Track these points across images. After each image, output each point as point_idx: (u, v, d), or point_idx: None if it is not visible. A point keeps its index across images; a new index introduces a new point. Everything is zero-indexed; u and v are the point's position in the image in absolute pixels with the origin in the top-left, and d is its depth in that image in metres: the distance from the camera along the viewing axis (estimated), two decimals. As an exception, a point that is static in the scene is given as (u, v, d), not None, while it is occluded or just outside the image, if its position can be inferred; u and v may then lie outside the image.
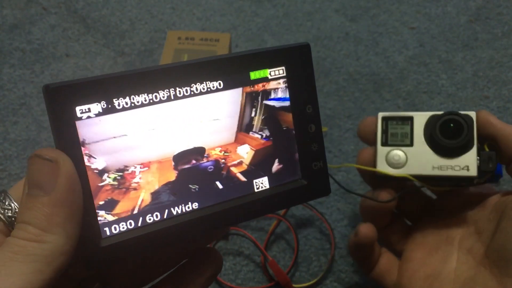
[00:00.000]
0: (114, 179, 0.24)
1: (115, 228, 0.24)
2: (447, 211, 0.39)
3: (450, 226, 0.38)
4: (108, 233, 0.24)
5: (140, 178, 0.25)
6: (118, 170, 0.24)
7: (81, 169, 0.23)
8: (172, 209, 0.26)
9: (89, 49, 0.59)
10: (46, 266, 0.20)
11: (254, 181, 0.27)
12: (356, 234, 0.38)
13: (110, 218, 0.24)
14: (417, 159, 0.37)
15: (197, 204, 0.26)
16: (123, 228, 0.25)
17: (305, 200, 0.29)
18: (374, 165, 0.38)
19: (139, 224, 0.25)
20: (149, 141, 0.25)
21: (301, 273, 0.44)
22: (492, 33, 0.60)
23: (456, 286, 0.34)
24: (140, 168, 0.25)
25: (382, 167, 0.37)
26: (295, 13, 0.64)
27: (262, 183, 0.28)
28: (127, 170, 0.25)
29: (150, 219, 0.25)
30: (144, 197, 0.25)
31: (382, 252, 0.40)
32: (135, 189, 0.25)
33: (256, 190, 0.27)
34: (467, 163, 0.35)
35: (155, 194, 0.25)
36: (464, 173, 0.35)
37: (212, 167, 0.26)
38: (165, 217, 0.25)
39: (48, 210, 0.20)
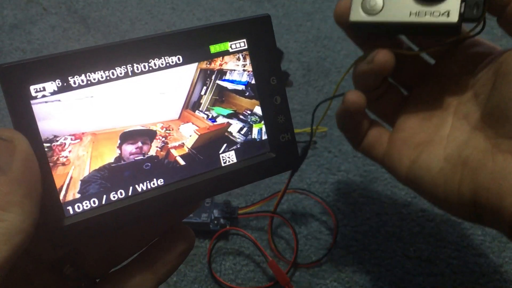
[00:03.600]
0: None
1: (78, 207, 0.24)
2: (445, 77, 0.36)
3: (447, 92, 0.35)
4: (71, 212, 0.24)
5: (69, 151, 0.24)
6: (47, 141, 0.23)
7: (39, 149, 0.22)
8: (136, 186, 0.25)
9: (89, 49, 0.59)
10: (2, 244, 0.20)
11: (221, 155, 0.27)
12: (343, 101, 0.36)
13: (72, 196, 0.24)
14: (395, 4, 0.33)
15: (162, 180, 0.26)
16: (87, 206, 0.24)
17: (275, 173, 0.28)
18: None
19: (103, 202, 0.24)
20: (87, 110, 0.24)
21: (301, 273, 0.44)
22: (491, 33, 0.60)
23: (447, 151, 0.33)
24: (71, 140, 0.24)
25: (356, 14, 0.34)
26: (295, 13, 0.64)
27: (229, 157, 0.27)
28: (56, 141, 0.23)
29: (114, 197, 0.25)
30: (73, 175, 0.24)
31: (372, 124, 0.38)
32: (63, 164, 0.23)
33: (223, 165, 0.27)
34: (449, 8, 0.32)
35: (83, 181, 0.24)
36: (443, 19, 0.32)
37: (149, 164, 0.25)
38: (129, 194, 0.25)
39: (5, 189, 0.20)
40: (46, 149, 0.23)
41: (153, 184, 0.26)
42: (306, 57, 0.59)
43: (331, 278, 0.43)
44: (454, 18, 0.32)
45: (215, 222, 0.45)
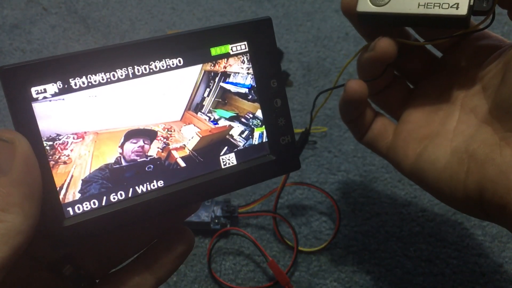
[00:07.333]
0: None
1: (78, 208, 0.24)
2: (452, 69, 0.36)
3: (455, 85, 0.35)
4: (71, 213, 0.24)
5: (71, 150, 0.24)
6: (49, 139, 0.23)
7: (39, 150, 0.23)
8: (137, 187, 0.25)
9: (89, 49, 0.59)
10: (2, 244, 0.20)
11: (221, 157, 0.27)
12: (344, 90, 0.35)
13: (72, 198, 0.24)
14: None
15: (162, 182, 0.26)
16: (87, 207, 0.24)
17: (274, 176, 0.29)
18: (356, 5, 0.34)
19: (103, 203, 0.25)
20: (90, 109, 0.24)
21: (301, 273, 0.44)
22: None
23: (453, 145, 0.32)
24: (73, 139, 0.24)
25: (364, 5, 0.34)
26: (295, 13, 0.64)
27: (229, 159, 0.27)
28: (59, 139, 0.23)
29: (114, 198, 0.25)
30: (74, 173, 0.24)
31: (376, 116, 0.38)
32: (64, 163, 0.24)
33: (223, 167, 0.27)
34: (458, 0, 0.31)
35: (84, 181, 0.24)
36: (452, 11, 0.31)
37: (151, 166, 0.26)
38: (130, 195, 0.25)
39: (5, 190, 0.20)
40: (47, 148, 0.23)
41: (153, 185, 0.26)
42: (306, 57, 0.59)
43: (331, 278, 0.43)
44: (463, 10, 0.31)
45: (216, 221, 0.45)
